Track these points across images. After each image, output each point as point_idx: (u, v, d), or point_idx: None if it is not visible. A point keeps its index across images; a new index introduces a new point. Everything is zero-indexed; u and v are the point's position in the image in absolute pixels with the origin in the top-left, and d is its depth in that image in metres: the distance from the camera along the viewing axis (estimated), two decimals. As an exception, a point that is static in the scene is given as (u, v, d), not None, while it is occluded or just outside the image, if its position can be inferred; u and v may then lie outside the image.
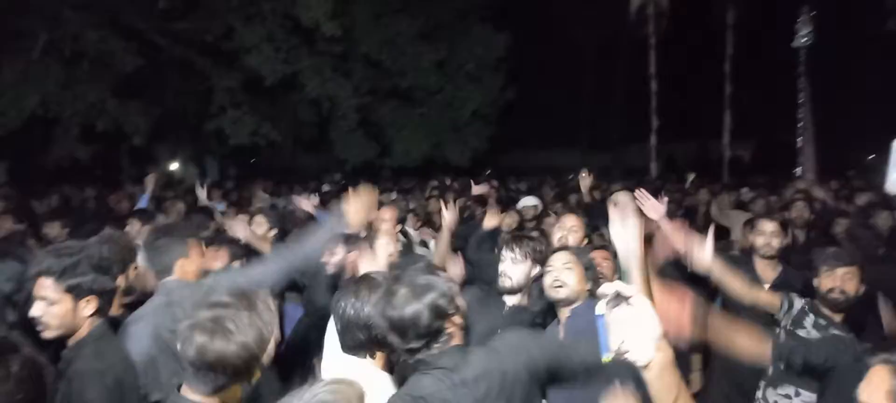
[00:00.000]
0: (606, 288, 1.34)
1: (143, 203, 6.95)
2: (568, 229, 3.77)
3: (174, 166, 21.29)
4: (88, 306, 2.30)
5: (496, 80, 18.50)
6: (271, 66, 14.66)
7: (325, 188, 12.86)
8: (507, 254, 3.07)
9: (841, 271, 3.06)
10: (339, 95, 16.12)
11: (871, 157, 21.87)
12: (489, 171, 14.99)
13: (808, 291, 3.27)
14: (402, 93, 18.20)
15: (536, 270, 3.05)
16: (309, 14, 13.67)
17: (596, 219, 5.72)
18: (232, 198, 10.66)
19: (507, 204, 8.40)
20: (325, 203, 8.71)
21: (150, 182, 7.25)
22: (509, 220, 5.93)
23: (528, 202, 6.77)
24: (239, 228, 4.64)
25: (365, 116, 17.50)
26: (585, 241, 3.78)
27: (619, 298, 1.30)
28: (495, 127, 19.56)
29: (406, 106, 18.40)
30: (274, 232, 5.09)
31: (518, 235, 3.24)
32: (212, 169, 22.94)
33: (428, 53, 16.96)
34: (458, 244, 4.64)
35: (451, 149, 18.85)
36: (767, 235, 3.84)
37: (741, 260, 4.05)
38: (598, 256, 3.27)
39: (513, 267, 3.03)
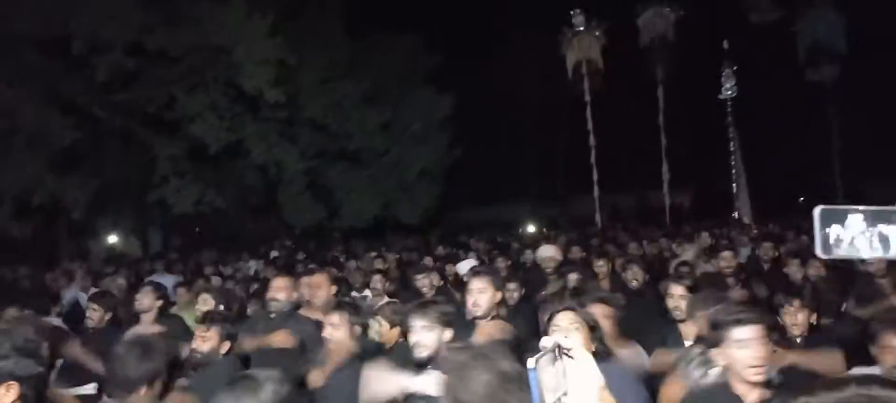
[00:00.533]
0: (545, 341, 1.36)
1: (71, 294, 6.66)
2: (476, 292, 3.64)
3: (114, 239, 20.62)
4: (9, 392, 2.09)
5: (442, 140, 18.85)
6: (215, 134, 14.58)
7: (274, 253, 12.73)
8: (416, 322, 2.95)
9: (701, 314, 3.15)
10: (286, 160, 16.11)
11: (801, 199, 23.01)
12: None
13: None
14: (350, 155, 18.32)
15: (447, 334, 2.95)
16: (252, 82, 13.76)
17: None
18: (176, 269, 10.43)
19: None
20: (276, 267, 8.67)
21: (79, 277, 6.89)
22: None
23: (462, 268, 6.64)
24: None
25: (313, 179, 17.50)
26: (499, 296, 3.73)
27: (559, 351, 1.33)
28: (444, 184, 19.81)
29: (354, 167, 18.50)
30: (220, 308, 4.90)
31: (424, 302, 3.21)
32: (155, 240, 22.30)
33: (373, 116, 17.23)
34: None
35: (401, 208, 18.97)
36: (675, 298, 3.83)
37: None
38: (596, 310, 3.15)
39: (426, 335, 2.91)
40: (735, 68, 15.36)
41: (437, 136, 18.71)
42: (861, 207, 1.11)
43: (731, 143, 15.74)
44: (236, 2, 13.75)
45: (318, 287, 4.61)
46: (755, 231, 11.40)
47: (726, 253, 5.88)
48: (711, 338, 2.51)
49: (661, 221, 17.30)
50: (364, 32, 18.85)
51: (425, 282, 5.84)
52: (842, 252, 1.11)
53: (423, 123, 18.39)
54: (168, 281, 8.46)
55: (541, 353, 1.32)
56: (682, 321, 3.78)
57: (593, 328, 2.75)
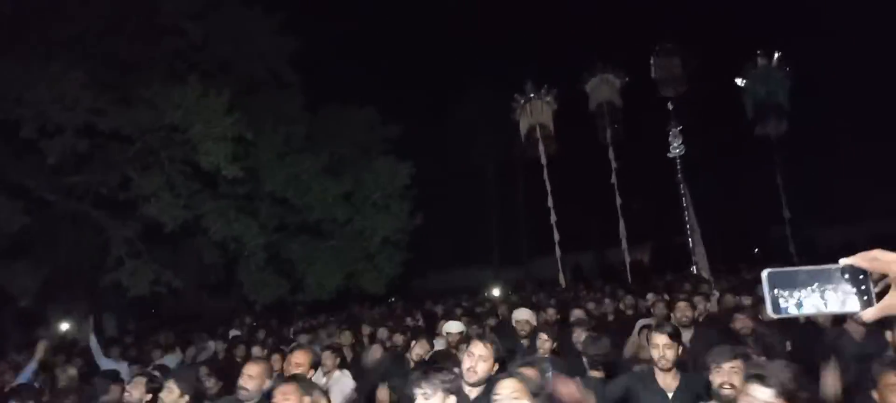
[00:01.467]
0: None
1: (27, 374, 6.43)
2: (477, 358, 3.61)
3: (66, 326, 19.80)
4: None
5: (403, 207, 18.94)
6: (171, 213, 14.35)
7: (234, 332, 12.39)
8: (417, 391, 2.92)
9: (727, 365, 3.20)
10: (245, 235, 15.91)
11: (755, 251, 23.69)
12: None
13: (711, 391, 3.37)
14: (311, 227, 18.21)
15: (451, 401, 2.94)
16: (209, 159, 13.70)
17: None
18: (131, 355, 10.06)
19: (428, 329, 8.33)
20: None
21: (40, 349, 6.66)
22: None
23: (453, 329, 6.57)
24: (136, 392, 4.36)
25: (274, 254, 17.27)
26: (496, 368, 3.62)
27: None
28: (407, 251, 19.78)
29: (316, 239, 18.37)
30: (186, 398, 4.68)
31: (428, 368, 3.11)
32: (109, 325, 21.50)
33: (333, 187, 17.26)
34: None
35: (366, 277, 18.81)
36: (661, 348, 3.86)
37: (644, 374, 4.09)
38: (528, 372, 3.18)
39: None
40: (680, 128, 16.02)
41: (398, 204, 18.80)
42: (806, 267, 1.16)
43: (683, 199, 16.20)
44: (192, 80, 13.83)
45: (299, 365, 4.48)
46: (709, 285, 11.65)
47: (681, 305, 6.05)
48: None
49: (623, 278, 17.54)
50: (322, 106, 19.14)
51: (419, 351, 5.72)
52: (791, 310, 1.16)
53: (383, 192, 18.48)
54: (122, 367, 8.17)
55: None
56: (668, 369, 3.84)
57: (536, 394, 2.79)
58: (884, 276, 1.11)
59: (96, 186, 14.22)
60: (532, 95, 17.06)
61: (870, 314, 1.12)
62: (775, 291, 1.16)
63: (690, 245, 16.75)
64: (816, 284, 1.15)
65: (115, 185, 14.33)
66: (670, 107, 16.29)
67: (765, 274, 1.17)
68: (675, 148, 15.92)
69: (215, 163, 13.77)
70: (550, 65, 19.08)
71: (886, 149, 20.43)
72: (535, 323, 6.49)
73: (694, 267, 16.82)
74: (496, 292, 20.49)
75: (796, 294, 1.15)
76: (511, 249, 28.82)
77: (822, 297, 1.15)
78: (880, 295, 1.12)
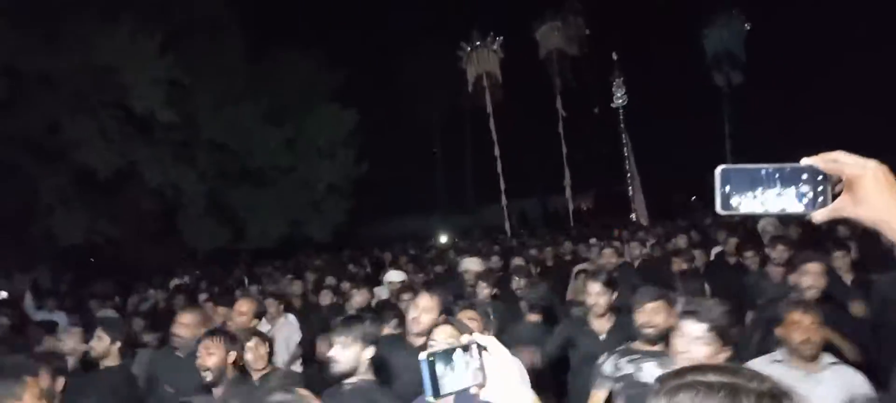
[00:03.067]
0: (465, 339, 1.41)
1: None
2: (422, 309, 3.66)
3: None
4: None
5: (349, 155, 18.73)
6: (104, 159, 13.74)
7: (176, 281, 12.13)
8: (336, 339, 2.93)
9: (650, 306, 3.30)
10: (184, 182, 15.45)
11: (693, 199, 24.56)
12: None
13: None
14: (253, 175, 17.82)
15: (368, 351, 2.96)
16: (141, 103, 13.13)
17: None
18: (67, 306, 9.75)
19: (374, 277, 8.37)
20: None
21: None
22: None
23: (394, 278, 6.67)
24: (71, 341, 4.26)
25: (214, 201, 16.87)
26: (442, 319, 3.52)
27: (476, 347, 1.39)
28: (353, 199, 19.65)
29: (258, 187, 18.00)
30: (117, 344, 4.40)
31: (348, 318, 3.14)
32: (44, 277, 20.71)
33: (276, 134, 16.87)
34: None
35: (311, 225, 18.65)
36: (594, 295, 4.01)
37: (580, 319, 4.24)
38: (464, 317, 3.28)
39: (342, 352, 2.91)
40: (623, 79, 16.29)
41: (343, 152, 18.58)
42: (764, 165, 1.12)
43: (625, 149, 16.61)
44: (123, 19, 13.11)
45: (242, 314, 4.48)
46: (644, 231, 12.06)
47: (607, 251, 6.30)
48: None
49: (567, 224, 17.99)
50: (264, 51, 18.47)
51: (359, 299, 5.77)
52: (743, 209, 1.13)
53: (328, 139, 18.20)
54: (61, 318, 7.93)
55: (439, 348, 1.38)
56: (602, 314, 4.02)
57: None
58: (841, 180, 1.09)
59: (22, 131, 13.44)
60: (479, 43, 16.93)
61: (820, 215, 1.12)
62: (726, 189, 1.13)
63: (631, 193, 17.28)
64: (772, 183, 1.12)
65: (42, 130, 13.58)
66: (615, 57, 16.49)
67: (718, 170, 1.13)
68: (619, 98, 16.21)
69: (149, 107, 13.21)
70: (497, 12, 18.90)
71: (831, 103, 21.11)
72: (480, 270, 6.62)
73: (633, 215, 17.40)
74: (444, 239, 20.70)
75: (749, 192, 1.12)
76: (458, 197, 29.00)
77: (777, 197, 1.12)
78: (836, 198, 1.11)
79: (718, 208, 1.12)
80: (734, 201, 1.11)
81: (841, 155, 1.09)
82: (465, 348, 1.40)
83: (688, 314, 2.47)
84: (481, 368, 1.40)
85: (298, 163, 18.04)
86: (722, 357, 2.38)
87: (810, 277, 3.86)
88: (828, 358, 2.96)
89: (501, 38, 17.04)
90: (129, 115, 13.98)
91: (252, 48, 17.81)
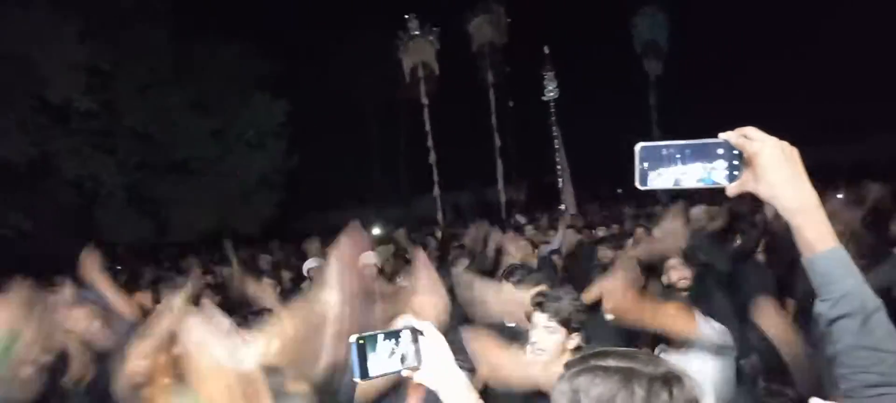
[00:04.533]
0: (399, 322, 1.45)
1: None
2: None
3: None
4: None
5: (279, 146, 18.30)
6: (18, 150, 12.91)
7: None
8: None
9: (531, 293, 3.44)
10: (103, 173, 14.68)
11: (618, 191, 25.36)
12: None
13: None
14: (179, 166, 17.12)
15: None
16: (59, 92, 12.38)
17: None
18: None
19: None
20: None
21: None
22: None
23: (313, 266, 6.66)
24: None
25: (136, 193, 16.12)
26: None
27: (412, 331, 1.43)
28: (284, 192, 19.22)
29: (184, 178, 17.31)
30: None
31: (255, 311, 3.14)
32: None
33: (203, 123, 16.28)
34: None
35: (239, 218, 18.09)
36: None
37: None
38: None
39: None
40: (554, 72, 16.64)
41: (273, 143, 18.13)
42: (680, 142, 1.16)
43: (556, 141, 16.97)
44: (38, 4, 12.32)
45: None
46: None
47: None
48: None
49: (499, 216, 18.21)
50: (192, 38, 17.71)
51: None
52: (660, 184, 1.16)
53: (258, 130, 17.71)
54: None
55: (371, 332, 1.41)
56: None
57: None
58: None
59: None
60: (416, 33, 16.86)
61: (731, 189, 1.16)
62: (645, 165, 1.16)
63: (560, 184, 17.68)
64: (689, 159, 1.16)
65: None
66: (546, 50, 16.79)
67: (637, 147, 1.16)
68: (550, 91, 16.53)
69: (66, 95, 12.48)
70: (432, 1, 18.86)
71: (751, 91, 22.09)
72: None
73: (563, 205, 17.81)
74: (376, 231, 20.56)
75: (667, 168, 1.16)
76: (391, 188, 28.85)
77: (694, 172, 1.16)
78: None
79: (637, 183, 1.17)
80: (652, 177, 1.16)
81: (749, 130, 1.13)
82: (397, 333, 1.43)
83: (536, 305, 2.57)
84: (417, 352, 1.43)
85: (227, 154, 17.47)
86: (572, 343, 2.48)
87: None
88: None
89: (438, 29, 17.04)
90: (44, 103, 13.16)
91: (179, 35, 17.08)
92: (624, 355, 1.11)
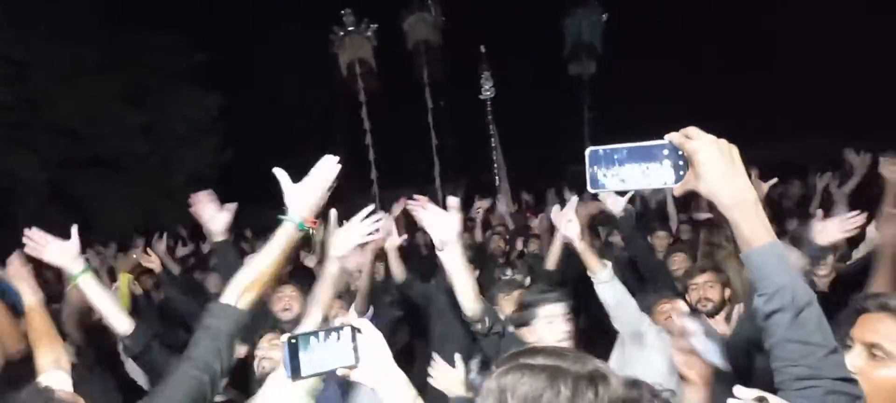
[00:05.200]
0: (336, 322, 1.52)
1: None
2: (288, 298, 3.91)
3: None
4: None
5: (211, 141, 17.80)
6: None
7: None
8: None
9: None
10: (22, 169, 13.93)
11: (552, 190, 25.89)
12: None
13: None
14: (104, 161, 16.40)
15: None
16: (-28, 80, 11.71)
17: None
18: None
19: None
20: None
21: None
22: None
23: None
24: None
25: (58, 189, 15.35)
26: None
27: (351, 330, 1.45)
28: (217, 188, 18.67)
29: (109, 174, 16.60)
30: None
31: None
32: None
33: (131, 117, 15.65)
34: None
35: (169, 215, 17.48)
36: None
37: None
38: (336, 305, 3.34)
39: None
40: (490, 72, 16.86)
41: (205, 139, 17.61)
42: (629, 144, 1.18)
43: (492, 139, 17.23)
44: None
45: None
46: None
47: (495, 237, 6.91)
48: (519, 318, 2.77)
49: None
50: (119, 28, 16.97)
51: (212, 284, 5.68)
52: (610, 186, 1.18)
53: (189, 124, 17.16)
54: None
55: (302, 330, 1.48)
56: None
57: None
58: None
59: None
60: (351, 29, 16.68)
61: (676, 189, 1.20)
62: (594, 168, 1.19)
63: (497, 182, 17.98)
64: (637, 160, 1.18)
65: None
66: (483, 49, 16.99)
67: (587, 151, 1.18)
68: (487, 90, 16.76)
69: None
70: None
71: (687, 93, 22.86)
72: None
73: (499, 204, 18.09)
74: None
75: (617, 170, 1.18)
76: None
77: (641, 173, 1.18)
78: None
79: (589, 186, 1.20)
80: (601, 179, 1.19)
81: (692, 131, 1.18)
82: (335, 331, 1.45)
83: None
84: (354, 350, 1.45)
85: (157, 149, 16.85)
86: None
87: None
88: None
89: (376, 25, 16.88)
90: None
91: (105, 25, 16.33)
92: (552, 353, 1.11)
